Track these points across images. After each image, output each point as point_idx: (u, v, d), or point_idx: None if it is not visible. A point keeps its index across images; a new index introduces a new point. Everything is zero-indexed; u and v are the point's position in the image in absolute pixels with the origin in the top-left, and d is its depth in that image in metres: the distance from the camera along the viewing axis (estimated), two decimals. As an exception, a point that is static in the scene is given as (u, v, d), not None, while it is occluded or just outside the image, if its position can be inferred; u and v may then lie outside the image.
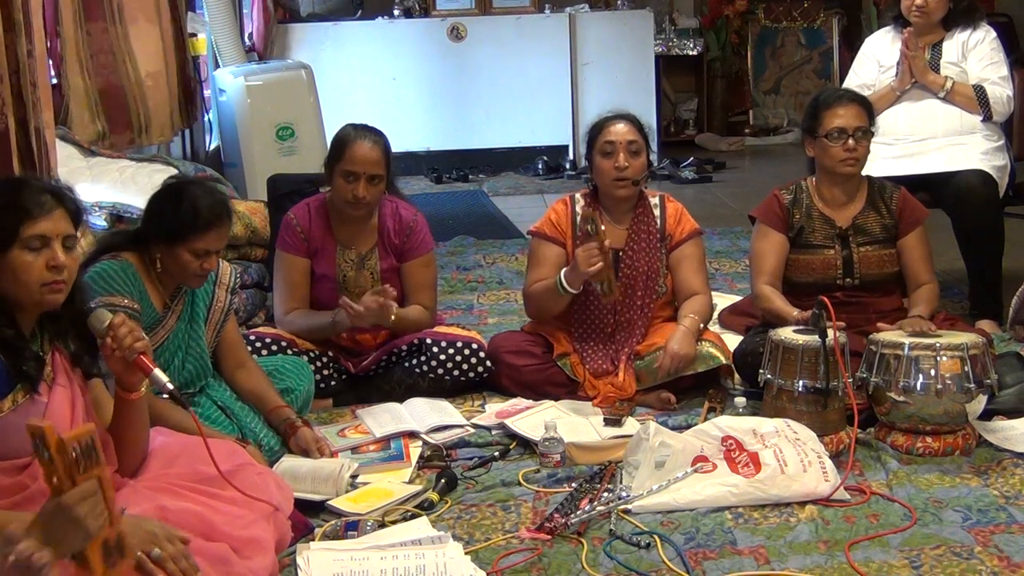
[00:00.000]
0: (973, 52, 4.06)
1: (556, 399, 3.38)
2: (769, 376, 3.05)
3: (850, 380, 2.94)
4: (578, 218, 3.50)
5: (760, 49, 9.66)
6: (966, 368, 2.87)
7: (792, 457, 2.70)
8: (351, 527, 2.54)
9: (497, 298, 4.77)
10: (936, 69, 4.07)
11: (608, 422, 3.19)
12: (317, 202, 3.57)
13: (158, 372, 2.18)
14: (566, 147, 8.23)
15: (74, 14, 4.44)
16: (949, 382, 2.87)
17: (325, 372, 3.43)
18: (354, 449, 3.08)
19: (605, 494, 2.67)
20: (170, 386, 2.19)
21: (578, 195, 3.57)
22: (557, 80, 8.16)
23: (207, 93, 6.65)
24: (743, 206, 5.65)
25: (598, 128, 3.47)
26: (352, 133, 3.45)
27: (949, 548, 2.41)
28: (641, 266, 3.47)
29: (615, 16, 8.42)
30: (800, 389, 2.97)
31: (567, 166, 8.05)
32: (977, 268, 3.99)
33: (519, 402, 3.36)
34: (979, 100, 4.00)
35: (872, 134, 3.42)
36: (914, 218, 3.43)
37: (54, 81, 4.20)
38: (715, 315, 3.92)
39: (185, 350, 2.90)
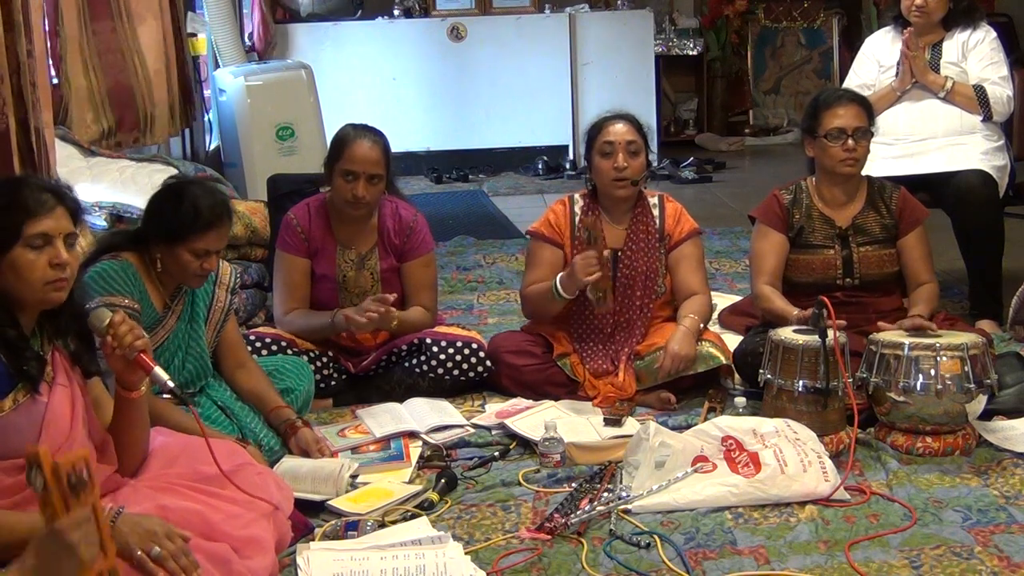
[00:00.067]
0: (973, 52, 4.06)
1: (556, 399, 3.38)
2: (769, 376, 3.05)
3: (850, 380, 2.94)
4: (577, 219, 3.50)
5: (760, 49, 9.67)
6: (966, 368, 2.87)
7: (792, 457, 2.70)
8: (351, 527, 2.54)
9: (497, 298, 4.77)
10: (936, 69, 4.07)
11: (608, 422, 3.19)
12: (317, 202, 3.57)
13: (158, 370, 2.18)
14: (566, 147, 8.23)
15: (78, 13, 4.44)
16: (949, 382, 2.86)
17: (325, 372, 3.43)
18: (354, 449, 3.08)
19: (605, 494, 2.67)
20: (170, 384, 2.19)
21: (577, 195, 3.57)
22: (557, 80, 8.16)
23: (207, 93, 6.65)
24: (743, 206, 5.65)
25: (597, 128, 3.47)
26: (352, 133, 3.45)
27: (949, 548, 2.41)
28: (640, 266, 3.47)
29: (615, 16, 8.42)
30: (800, 389, 2.97)
31: (567, 166, 8.05)
32: (977, 268, 3.99)
33: (519, 402, 3.36)
34: (979, 100, 4.00)
35: (872, 134, 3.42)
36: (914, 218, 3.43)
37: (54, 81, 4.20)
38: (715, 315, 3.93)
39: (185, 350, 2.90)
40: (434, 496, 2.72)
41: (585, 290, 3.31)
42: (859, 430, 2.91)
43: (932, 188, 3.97)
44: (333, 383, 3.45)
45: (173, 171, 4.10)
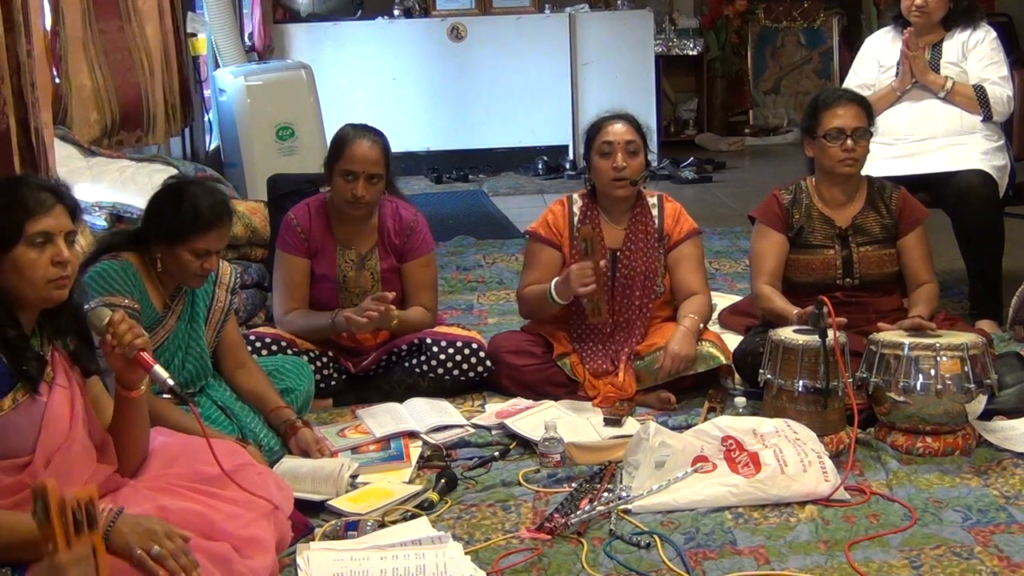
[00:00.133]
0: (973, 52, 4.06)
1: (556, 399, 3.38)
2: (769, 376, 3.05)
3: (850, 380, 2.94)
4: (576, 219, 3.50)
5: (760, 49, 9.66)
6: (966, 368, 2.87)
7: (792, 457, 2.70)
8: (351, 527, 2.54)
9: (497, 298, 4.76)
10: (936, 69, 4.07)
11: (608, 422, 3.19)
12: (317, 202, 3.57)
13: (158, 368, 2.18)
14: (566, 147, 8.23)
15: (83, 13, 4.44)
16: (949, 382, 2.86)
17: (325, 372, 3.43)
18: (354, 449, 3.08)
19: (605, 494, 2.67)
20: (170, 382, 2.19)
21: (576, 196, 3.57)
22: (557, 80, 8.16)
23: (207, 93, 6.65)
24: (743, 206, 5.65)
25: (596, 128, 3.47)
26: (351, 132, 3.45)
27: (949, 548, 2.41)
28: (639, 266, 3.47)
29: (615, 16, 8.42)
30: (800, 389, 2.97)
31: (567, 166, 8.05)
32: (977, 268, 3.99)
33: (519, 402, 3.36)
34: (979, 100, 4.00)
35: (871, 134, 3.42)
36: (914, 218, 3.43)
37: (55, 80, 4.20)
38: (715, 315, 3.93)
39: (185, 350, 2.90)
40: (434, 496, 2.72)
41: (580, 299, 3.31)
42: (859, 430, 2.91)
43: (932, 188, 3.97)
44: (333, 383, 3.45)
45: (173, 171, 4.10)
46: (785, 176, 4.14)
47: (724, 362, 3.33)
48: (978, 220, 3.89)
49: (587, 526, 2.55)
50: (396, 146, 3.66)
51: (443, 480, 2.80)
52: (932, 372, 2.87)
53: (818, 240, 3.42)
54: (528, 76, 8.11)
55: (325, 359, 3.44)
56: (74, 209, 2.15)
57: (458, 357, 3.43)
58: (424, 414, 3.25)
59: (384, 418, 3.25)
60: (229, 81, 6.30)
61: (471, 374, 3.45)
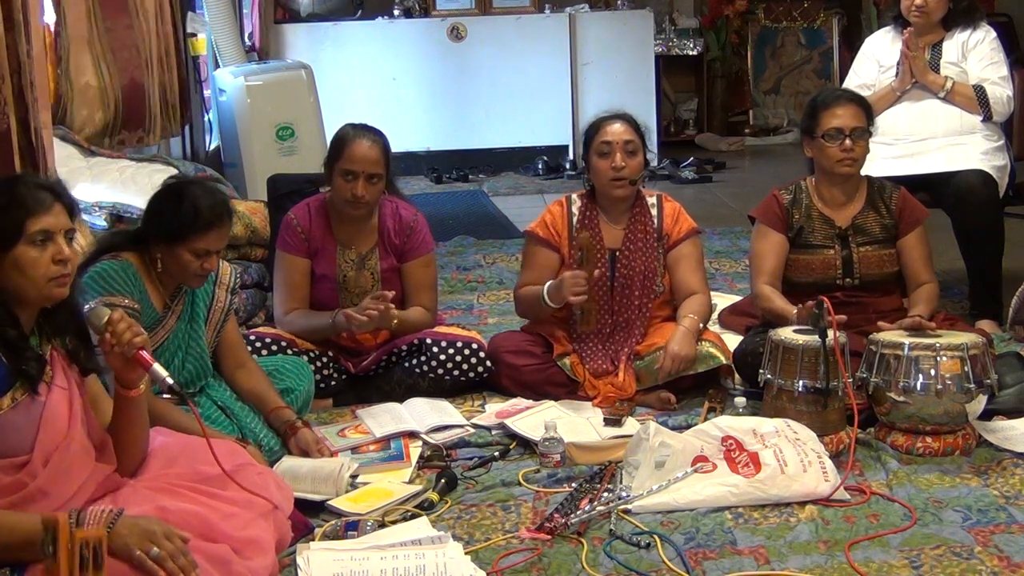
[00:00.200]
0: (973, 52, 4.06)
1: (556, 399, 3.38)
2: (769, 376, 3.05)
3: (850, 380, 2.94)
4: (575, 219, 3.50)
5: (760, 49, 9.67)
6: (966, 368, 2.87)
7: (792, 457, 2.70)
8: (351, 527, 2.54)
9: (497, 298, 4.76)
10: (936, 69, 4.07)
11: (608, 422, 3.19)
12: (317, 202, 3.57)
13: (157, 367, 2.18)
14: (566, 147, 8.23)
15: (88, 11, 4.43)
16: (949, 382, 2.86)
17: (325, 372, 3.42)
18: (354, 449, 3.08)
19: (605, 494, 2.67)
20: (169, 381, 2.19)
21: (575, 196, 3.57)
22: (557, 80, 8.16)
23: (207, 93, 6.65)
24: (743, 206, 5.65)
25: (594, 128, 3.47)
26: (351, 132, 3.45)
27: (949, 548, 2.41)
28: (638, 266, 3.47)
29: (615, 16, 8.42)
30: (800, 389, 2.97)
31: (567, 166, 8.05)
32: (977, 268, 3.99)
33: (519, 402, 3.36)
34: (979, 100, 4.00)
35: (870, 134, 3.42)
36: (914, 218, 3.43)
37: (57, 80, 4.21)
38: (715, 315, 3.93)
39: (185, 350, 2.90)
40: (434, 496, 2.72)
41: (571, 306, 3.32)
42: (859, 430, 2.91)
43: (932, 188, 3.97)
44: (333, 383, 3.45)
45: (173, 171, 4.10)
46: (785, 176, 4.14)
47: (724, 362, 3.33)
48: (978, 220, 3.89)
49: (587, 526, 2.55)
50: (396, 146, 3.66)
51: (443, 480, 2.80)
52: (932, 372, 2.87)
53: (818, 240, 3.41)
54: (528, 76, 8.12)
55: (325, 359, 3.44)
56: (72, 207, 2.16)
57: (458, 357, 3.43)
58: (424, 414, 3.25)
59: (384, 418, 3.25)
60: (229, 81, 6.30)
61: (471, 374, 3.45)
